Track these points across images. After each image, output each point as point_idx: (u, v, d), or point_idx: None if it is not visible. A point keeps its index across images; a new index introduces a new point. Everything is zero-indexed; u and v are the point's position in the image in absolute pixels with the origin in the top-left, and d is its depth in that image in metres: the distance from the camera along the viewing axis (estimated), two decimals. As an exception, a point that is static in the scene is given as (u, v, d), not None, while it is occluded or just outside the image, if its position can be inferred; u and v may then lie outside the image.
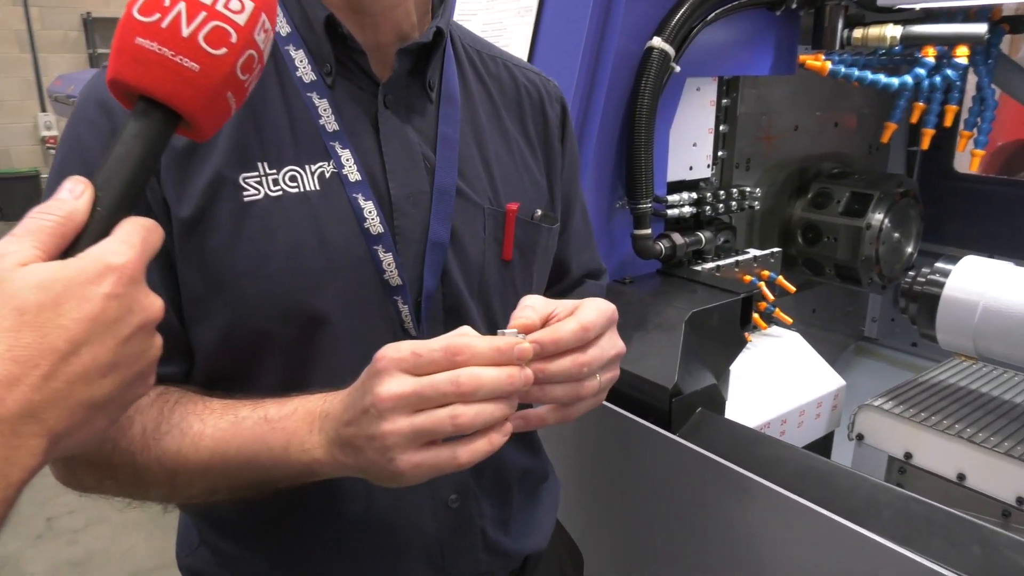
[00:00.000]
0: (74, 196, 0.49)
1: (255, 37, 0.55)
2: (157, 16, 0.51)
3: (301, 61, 0.73)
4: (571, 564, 1.08)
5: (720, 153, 1.61)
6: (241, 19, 0.53)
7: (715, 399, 1.22)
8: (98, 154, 0.68)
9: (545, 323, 0.67)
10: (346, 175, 0.73)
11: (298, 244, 0.71)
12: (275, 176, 0.71)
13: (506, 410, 0.61)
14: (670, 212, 1.43)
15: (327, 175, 0.73)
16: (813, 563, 0.95)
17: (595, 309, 0.68)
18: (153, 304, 0.49)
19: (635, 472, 1.19)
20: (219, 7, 0.53)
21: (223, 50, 0.52)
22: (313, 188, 0.72)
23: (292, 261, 0.71)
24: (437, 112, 0.80)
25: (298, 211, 0.71)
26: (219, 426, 0.68)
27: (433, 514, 0.80)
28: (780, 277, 1.56)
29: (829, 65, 1.51)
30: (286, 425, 0.66)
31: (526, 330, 0.65)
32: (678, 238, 1.41)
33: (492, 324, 0.83)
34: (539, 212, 0.86)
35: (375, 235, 0.74)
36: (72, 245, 0.48)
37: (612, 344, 0.70)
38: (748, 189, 1.56)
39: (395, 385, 0.58)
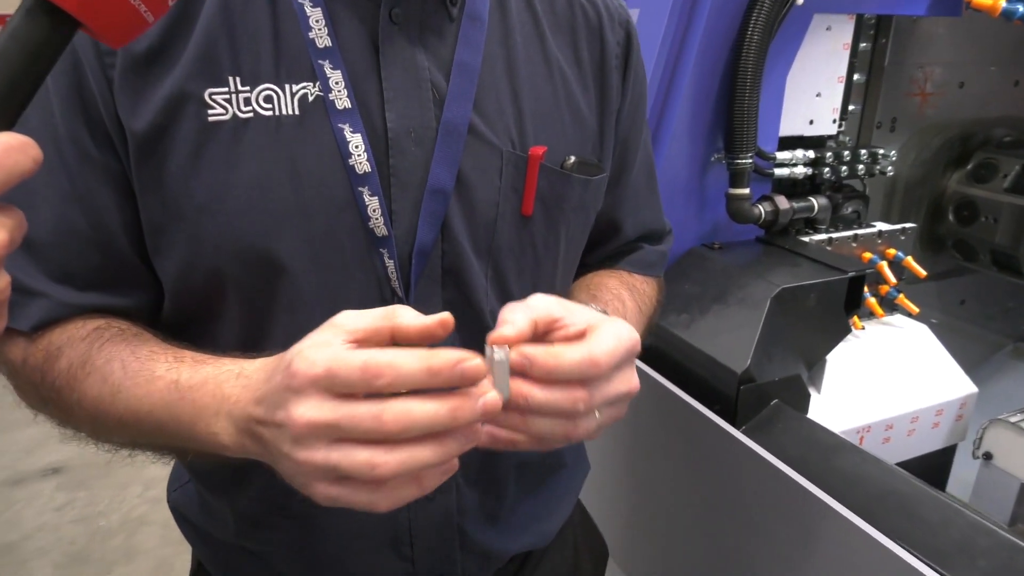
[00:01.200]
0: None
1: None
2: None
3: None
4: (591, 558, 0.95)
5: (851, 107, 1.37)
6: None
7: (797, 392, 1.04)
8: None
9: (548, 332, 0.54)
10: (332, 100, 0.62)
11: (266, 177, 0.61)
12: (247, 94, 0.61)
13: (448, 451, 0.48)
14: (778, 172, 1.23)
15: (310, 98, 0.62)
16: (879, 606, 0.78)
17: (613, 337, 0.53)
18: None
19: (686, 465, 1.04)
20: None
21: None
22: (290, 112, 0.61)
23: (255, 197, 0.61)
24: (456, 33, 0.67)
25: (270, 139, 0.61)
26: (137, 381, 0.60)
27: (406, 505, 0.70)
28: (909, 258, 1.32)
29: (1003, 3, 1.23)
30: (195, 397, 0.57)
31: (510, 344, 0.51)
32: (783, 202, 1.22)
33: (503, 291, 0.71)
34: (572, 159, 0.71)
35: (360, 174, 0.62)
36: None
37: (625, 381, 0.55)
38: (881, 152, 1.32)
39: (312, 410, 0.46)
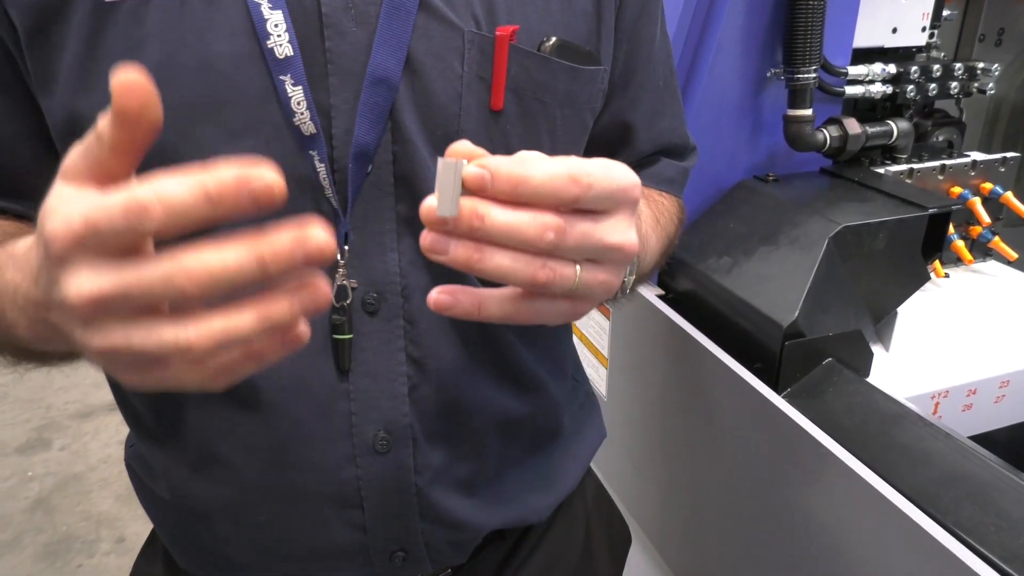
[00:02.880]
0: None
1: None
2: None
3: None
4: (607, 538, 0.83)
5: (947, 14, 1.15)
6: None
7: (858, 351, 0.88)
8: None
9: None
10: None
11: (171, 65, 0.50)
12: None
13: (280, 311, 0.35)
14: (850, 90, 1.04)
15: None
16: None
17: (604, 165, 0.40)
18: None
19: (725, 431, 0.90)
20: None
21: None
22: None
23: (161, 88, 0.50)
24: None
25: (175, 20, 0.50)
26: None
27: (351, 456, 0.60)
28: (1009, 194, 1.11)
29: None
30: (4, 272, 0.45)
31: (468, 159, 0.38)
32: (853, 126, 1.03)
33: None
34: (552, 40, 0.57)
35: (281, 59, 0.51)
36: None
37: (616, 229, 0.42)
38: (981, 66, 1.11)
39: (88, 281, 0.34)
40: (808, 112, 1.00)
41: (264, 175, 0.32)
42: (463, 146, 0.39)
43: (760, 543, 0.86)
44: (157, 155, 0.49)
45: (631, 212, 0.43)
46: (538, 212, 0.39)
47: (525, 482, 0.70)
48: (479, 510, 0.66)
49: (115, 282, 0.34)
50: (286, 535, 0.63)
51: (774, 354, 0.85)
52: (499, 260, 0.39)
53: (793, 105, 1.00)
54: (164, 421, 0.63)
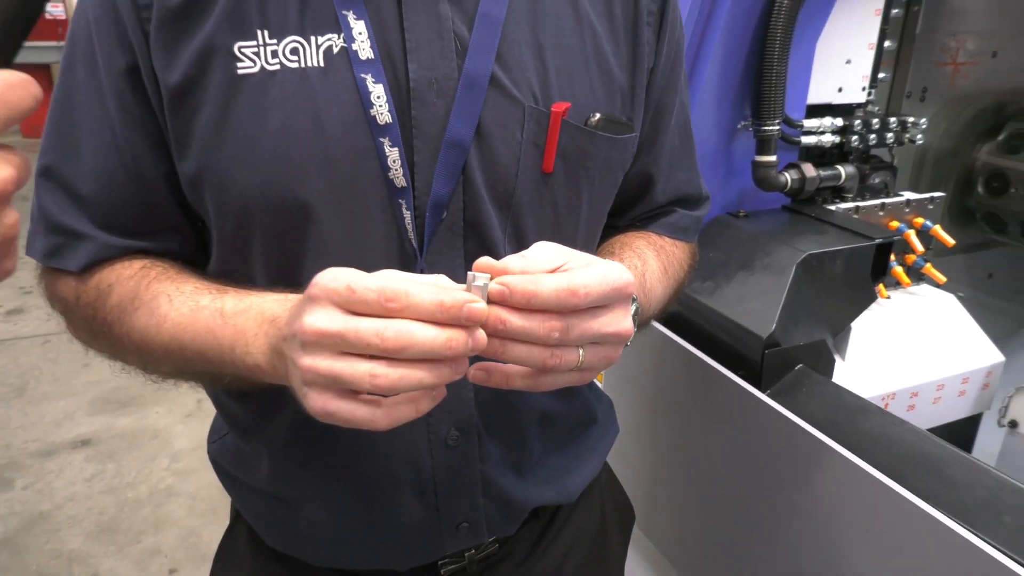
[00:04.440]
0: None
1: None
2: None
3: None
4: (617, 521, 0.96)
5: (881, 75, 1.36)
6: None
7: (822, 357, 1.04)
8: (99, 13, 0.63)
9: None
10: (356, 51, 0.62)
11: (290, 128, 0.62)
12: (274, 47, 0.62)
13: (440, 377, 0.50)
14: (805, 139, 1.23)
15: (335, 50, 0.63)
16: (904, 564, 0.78)
17: (600, 274, 0.54)
18: None
19: (712, 426, 1.05)
20: None
21: None
22: (316, 64, 0.62)
23: (282, 147, 0.62)
24: None
25: (295, 89, 0.62)
26: (182, 311, 0.64)
27: (428, 450, 0.72)
28: (937, 227, 1.31)
29: (1039, -33, 1.21)
30: (237, 322, 0.60)
31: (491, 272, 0.53)
32: (809, 170, 1.21)
33: (522, 246, 0.70)
34: (598, 116, 0.71)
35: (382, 125, 0.63)
36: None
37: (612, 321, 0.55)
38: (911, 120, 1.31)
39: (321, 319, 0.49)
40: (773, 158, 1.17)
41: (479, 305, 0.49)
42: (486, 262, 0.54)
43: (747, 521, 1.00)
44: (278, 200, 0.62)
45: (626, 304, 0.57)
46: (546, 317, 0.53)
47: (560, 466, 0.83)
48: (527, 489, 0.79)
49: (338, 326, 0.49)
50: (369, 516, 0.75)
51: (755, 362, 1.00)
52: (518, 352, 0.54)
53: (760, 152, 1.18)
54: (266, 416, 0.74)
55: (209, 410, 3.28)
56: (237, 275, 0.67)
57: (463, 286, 0.52)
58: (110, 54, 0.63)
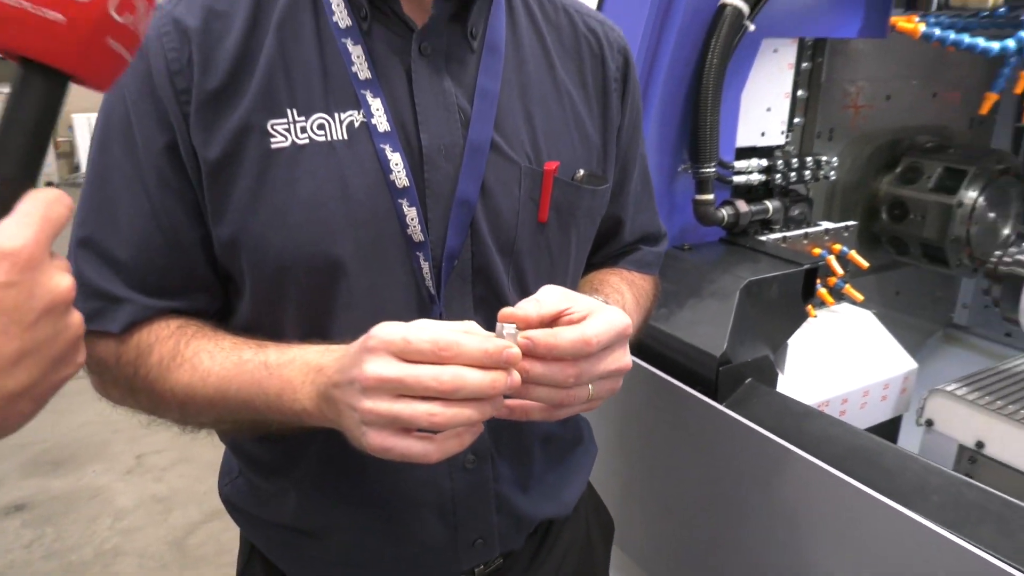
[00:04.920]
0: None
1: None
2: (67, 6, 0.46)
3: (338, 6, 0.72)
4: (600, 532, 1.06)
5: (796, 120, 1.53)
6: None
7: (767, 372, 1.18)
8: (136, 96, 0.70)
9: (556, 319, 0.65)
10: (375, 125, 0.72)
11: (320, 195, 0.71)
12: (303, 124, 0.71)
13: (484, 414, 0.60)
14: (736, 179, 1.38)
15: (356, 124, 0.72)
16: (855, 544, 0.91)
17: (605, 322, 0.65)
18: (59, 285, 0.47)
19: (676, 440, 1.16)
20: None
21: None
22: (341, 137, 0.71)
23: (314, 211, 0.71)
24: (477, 62, 0.77)
25: (323, 160, 0.71)
26: (225, 365, 0.70)
27: (448, 473, 0.80)
28: (852, 252, 1.48)
29: (922, 28, 1.41)
30: (283, 373, 0.67)
31: (521, 325, 0.63)
32: (742, 205, 1.36)
33: (523, 287, 0.81)
34: (582, 172, 0.82)
35: (400, 188, 0.72)
36: None
37: (616, 359, 0.67)
38: (824, 159, 1.49)
39: (381, 367, 0.58)
40: (711, 196, 1.32)
41: (515, 350, 0.60)
42: (510, 312, 0.64)
43: (715, 522, 1.11)
44: (312, 258, 0.70)
45: (625, 343, 0.69)
46: (564, 365, 0.64)
47: (558, 482, 0.93)
48: (532, 504, 0.88)
49: (398, 372, 0.58)
50: (394, 538, 0.82)
51: (711, 378, 1.13)
52: (539, 393, 0.65)
53: (699, 192, 1.32)
54: (295, 454, 0.81)
55: (149, 466, 3.22)
56: (267, 329, 0.74)
57: (492, 334, 0.62)
58: (149, 133, 0.70)
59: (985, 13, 1.45)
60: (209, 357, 0.71)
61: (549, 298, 0.66)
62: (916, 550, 0.82)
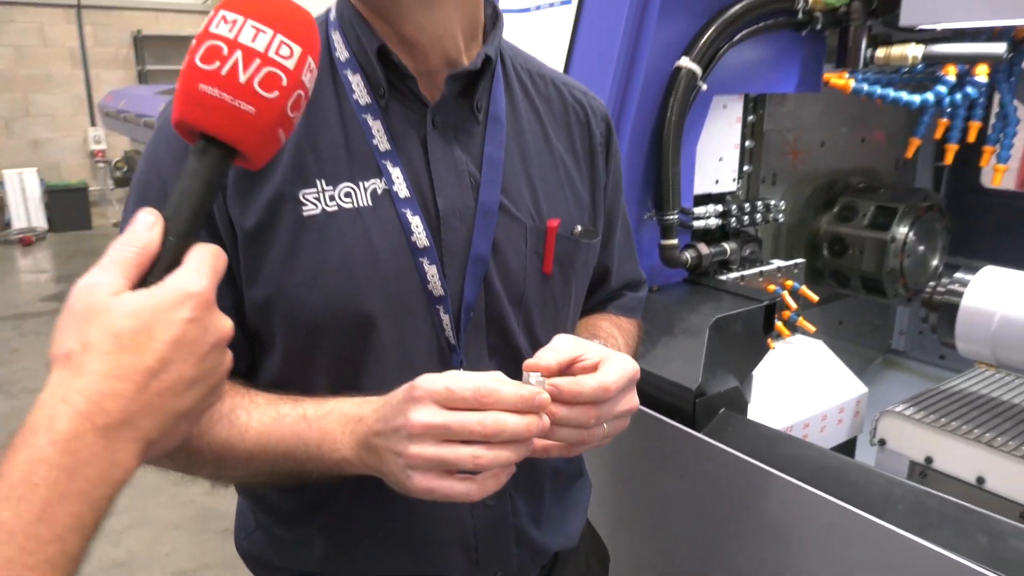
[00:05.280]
0: (147, 228, 0.56)
1: (303, 78, 0.61)
2: (217, 64, 0.57)
3: (358, 85, 0.80)
4: (597, 561, 1.13)
5: (746, 168, 1.67)
6: (290, 64, 0.59)
7: (738, 401, 1.27)
8: (172, 169, 0.76)
9: (571, 365, 0.74)
10: (396, 192, 0.79)
11: (350, 256, 0.78)
12: (331, 192, 0.78)
13: (520, 455, 0.67)
14: (696, 224, 1.49)
15: (379, 191, 0.79)
16: (832, 553, 1.00)
17: (620, 368, 0.74)
18: (224, 325, 0.56)
19: (661, 470, 1.24)
20: (271, 54, 0.58)
21: (275, 93, 0.59)
22: (366, 204, 0.79)
23: (344, 272, 0.77)
24: (483, 132, 0.85)
25: (351, 225, 0.78)
26: (263, 420, 0.76)
27: (470, 511, 0.87)
28: (803, 287, 1.61)
29: (852, 83, 1.56)
30: (322, 424, 0.73)
31: (544, 373, 0.72)
32: (704, 248, 1.47)
33: (531, 334, 0.89)
34: (579, 228, 0.91)
35: (420, 248, 0.80)
36: (149, 272, 0.55)
37: (627, 401, 0.77)
38: (773, 202, 1.62)
39: (427, 415, 0.65)
40: (675, 241, 1.43)
41: (545, 396, 0.68)
42: (534, 362, 0.73)
43: (700, 545, 1.19)
44: (345, 314, 0.77)
45: (634, 385, 0.78)
46: (586, 408, 0.72)
47: (565, 515, 1.00)
48: (545, 537, 0.95)
49: (443, 419, 0.65)
50: (420, 573, 0.87)
51: (688, 410, 1.22)
52: (563, 434, 0.73)
53: (664, 237, 1.43)
54: (321, 500, 0.85)
55: (105, 530, 3.12)
56: (297, 383, 0.80)
57: (519, 382, 0.69)
58: None
59: (905, 70, 1.62)
60: (246, 413, 0.76)
61: (564, 346, 0.74)
62: (887, 553, 0.92)
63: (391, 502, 0.83)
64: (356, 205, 0.79)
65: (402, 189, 0.80)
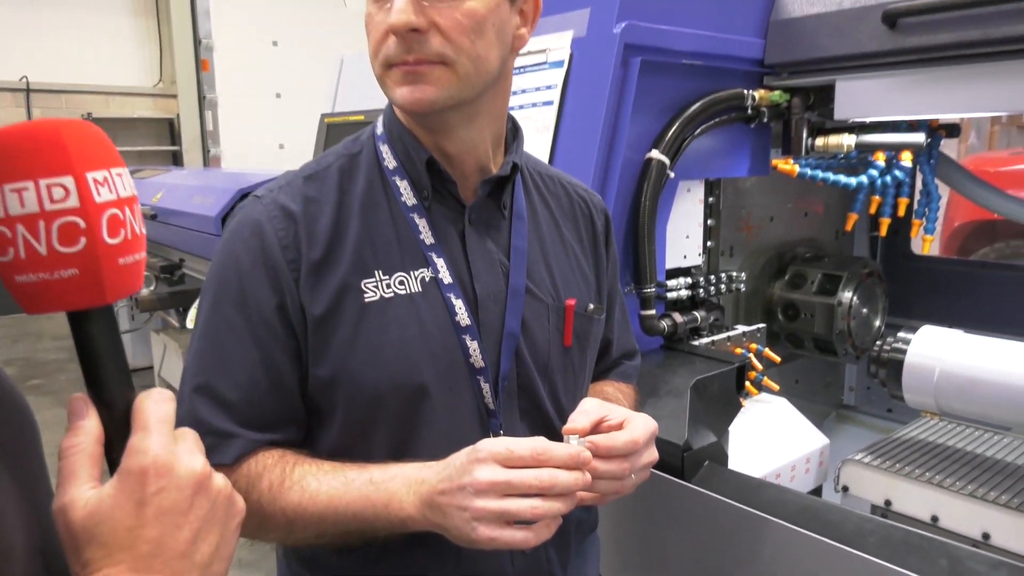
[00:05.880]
0: (85, 418, 0.56)
1: (97, 200, 0.53)
2: (12, 251, 0.51)
3: (405, 189, 0.94)
4: None
5: (708, 243, 1.86)
6: (73, 202, 0.52)
7: (719, 454, 1.41)
8: (250, 268, 0.89)
9: (598, 425, 0.87)
10: (441, 279, 0.93)
11: (405, 335, 0.91)
12: (387, 281, 0.91)
13: (569, 506, 0.80)
14: (670, 295, 1.66)
15: (427, 279, 0.93)
16: (814, 586, 1.13)
17: (644, 425, 0.89)
18: (194, 468, 0.56)
19: (656, 518, 1.37)
20: (49, 207, 0.51)
21: (82, 241, 0.52)
22: (416, 290, 0.92)
23: (401, 349, 0.90)
24: (510, 227, 1.00)
25: (405, 309, 0.91)
26: (332, 485, 0.86)
27: (511, 559, 0.97)
28: (767, 350, 1.78)
29: (797, 168, 1.78)
30: (388, 486, 0.84)
31: (580, 434, 0.85)
32: (678, 317, 1.63)
33: (555, 399, 1.02)
34: (591, 306, 1.06)
35: (463, 326, 0.93)
36: (108, 451, 0.56)
37: (650, 454, 0.91)
38: (734, 273, 1.80)
39: (491, 473, 0.77)
40: (653, 312, 1.58)
41: (588, 454, 0.81)
42: (571, 426, 0.86)
43: (694, 589, 1.31)
44: (403, 386, 0.89)
45: (654, 440, 0.92)
46: (620, 461, 0.86)
47: (582, 564, 1.11)
48: None
49: (505, 477, 0.77)
50: None
51: (677, 464, 1.35)
52: (602, 485, 0.86)
53: (643, 308, 1.58)
54: (376, 563, 0.94)
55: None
56: (356, 451, 0.91)
57: (562, 444, 0.82)
58: (262, 296, 0.88)
59: (841, 156, 1.84)
60: (315, 480, 0.87)
61: (592, 409, 0.88)
62: (865, 581, 1.05)
63: (441, 554, 0.93)
64: (408, 291, 0.92)
65: (446, 276, 0.93)
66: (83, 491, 0.54)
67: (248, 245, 0.89)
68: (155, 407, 0.57)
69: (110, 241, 0.54)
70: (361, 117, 2.24)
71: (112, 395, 0.57)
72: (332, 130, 2.37)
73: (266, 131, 7.60)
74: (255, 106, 7.16)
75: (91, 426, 0.56)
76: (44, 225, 0.51)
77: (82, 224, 0.52)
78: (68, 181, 0.52)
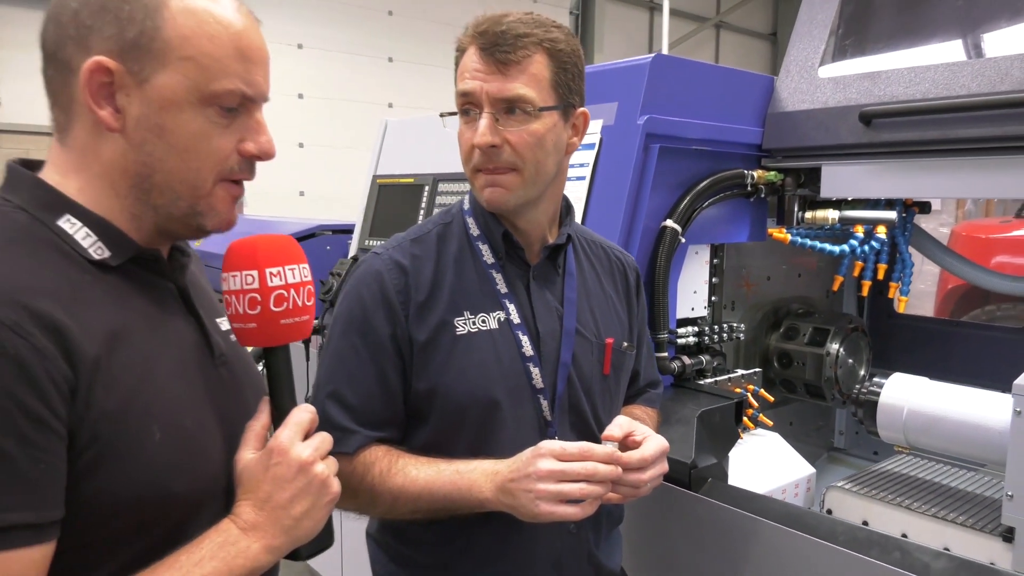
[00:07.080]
0: (263, 412, 0.92)
1: (269, 285, 0.89)
2: (230, 311, 0.92)
3: (486, 251, 1.25)
4: None
5: (713, 298, 2.16)
6: (255, 285, 0.89)
7: (720, 473, 1.69)
8: (372, 306, 1.19)
9: (627, 437, 1.15)
10: (512, 320, 1.24)
11: (486, 361, 1.21)
12: (473, 319, 1.22)
13: (605, 491, 1.09)
14: (679, 341, 1.95)
15: (501, 319, 1.23)
16: (799, 571, 1.40)
17: (657, 444, 1.17)
18: (300, 456, 0.87)
19: (667, 526, 1.64)
20: (244, 287, 0.89)
21: (258, 308, 0.90)
22: (495, 327, 1.22)
23: (482, 371, 1.20)
24: (563, 282, 1.31)
25: (486, 341, 1.22)
26: (427, 473, 1.15)
27: (560, 537, 1.26)
28: (762, 390, 2.06)
29: (789, 236, 2.09)
30: (470, 476, 1.13)
31: (614, 440, 1.14)
32: (687, 360, 1.93)
33: (596, 415, 1.31)
34: (625, 344, 1.37)
35: (528, 356, 1.24)
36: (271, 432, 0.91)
37: (661, 466, 1.19)
38: (735, 324, 2.10)
39: (551, 464, 1.06)
40: (665, 354, 1.87)
41: (619, 453, 1.12)
42: (609, 433, 1.15)
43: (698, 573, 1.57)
44: (482, 399, 1.18)
45: (665, 455, 1.20)
46: (637, 471, 1.14)
47: (612, 547, 1.38)
48: (608, 560, 1.34)
49: (561, 467, 1.07)
50: None
51: (685, 480, 1.62)
52: (622, 490, 1.15)
53: (656, 351, 1.87)
54: (453, 535, 1.23)
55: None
56: (442, 448, 1.20)
57: (601, 446, 1.11)
58: (381, 326, 1.19)
59: (828, 227, 2.16)
60: (415, 468, 1.16)
61: (624, 423, 1.17)
62: (832, 567, 1.32)
63: (505, 531, 1.21)
64: (488, 328, 1.22)
65: (516, 318, 1.24)
66: (247, 453, 0.90)
67: (371, 289, 1.20)
68: (297, 414, 0.91)
69: (275, 309, 0.90)
70: (411, 180, 2.57)
71: (279, 401, 0.94)
72: (383, 189, 2.70)
73: (287, 178, 8.00)
74: (278, 154, 7.56)
75: (263, 418, 0.92)
76: (242, 297, 0.90)
77: (259, 298, 0.89)
78: (255, 273, 0.90)
